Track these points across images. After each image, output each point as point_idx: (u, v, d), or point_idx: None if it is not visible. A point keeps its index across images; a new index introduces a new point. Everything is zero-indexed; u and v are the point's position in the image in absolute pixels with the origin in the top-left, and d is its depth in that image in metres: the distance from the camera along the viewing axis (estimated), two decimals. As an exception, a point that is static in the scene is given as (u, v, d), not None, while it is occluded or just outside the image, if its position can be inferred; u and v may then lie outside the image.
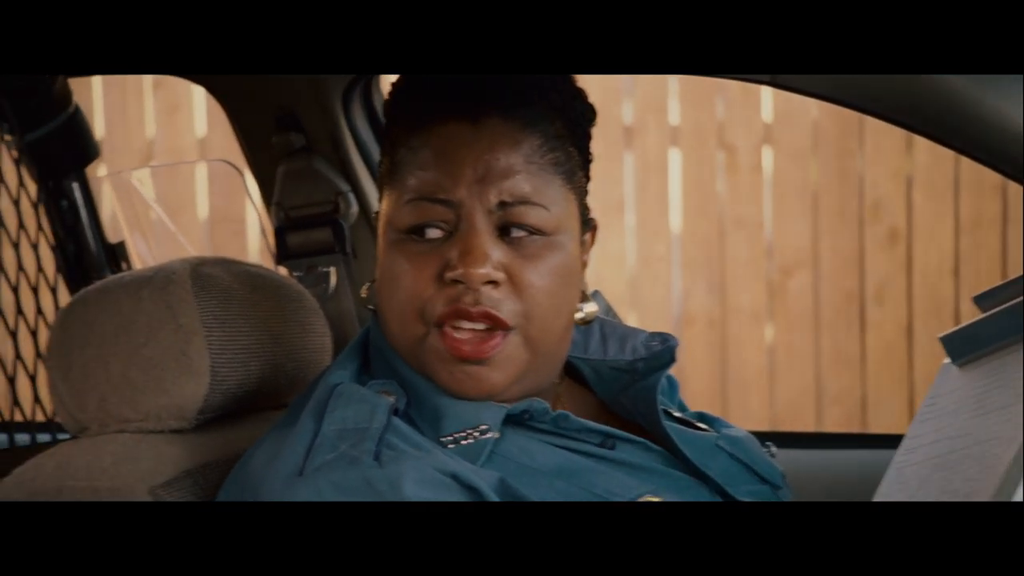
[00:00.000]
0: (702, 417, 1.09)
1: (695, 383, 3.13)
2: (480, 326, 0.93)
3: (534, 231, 0.95)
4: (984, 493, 0.84)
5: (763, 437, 1.09)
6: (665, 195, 3.15)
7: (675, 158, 3.15)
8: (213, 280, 1.05)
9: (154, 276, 1.04)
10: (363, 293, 1.01)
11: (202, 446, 1.04)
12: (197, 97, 3.15)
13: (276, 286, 1.13)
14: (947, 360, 1.00)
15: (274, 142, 1.32)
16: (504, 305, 0.94)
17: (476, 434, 0.94)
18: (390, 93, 1.00)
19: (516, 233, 0.95)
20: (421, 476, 0.89)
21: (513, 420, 0.96)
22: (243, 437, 1.08)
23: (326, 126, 1.31)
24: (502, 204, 0.94)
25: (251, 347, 1.07)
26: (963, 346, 0.97)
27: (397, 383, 0.97)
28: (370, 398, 0.94)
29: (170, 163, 2.66)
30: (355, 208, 1.34)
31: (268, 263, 1.34)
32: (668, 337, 1.05)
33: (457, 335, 0.93)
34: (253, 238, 3.06)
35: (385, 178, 0.98)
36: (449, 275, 0.93)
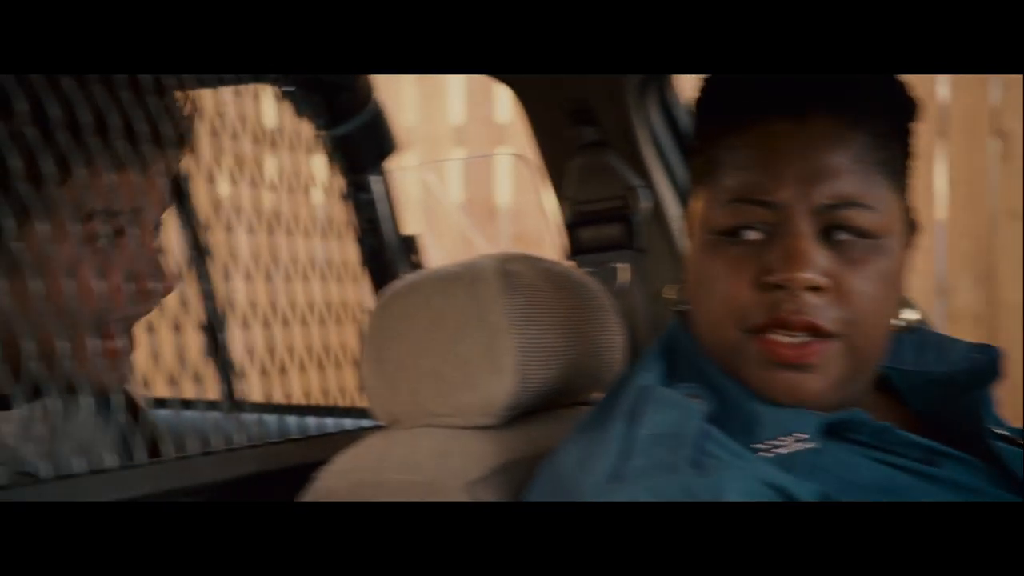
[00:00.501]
0: (1026, 434, 1.02)
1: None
2: (802, 335, 0.90)
3: (860, 234, 0.91)
4: None
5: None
6: (930, 184, 3.01)
7: (943, 146, 3.00)
8: (519, 278, 1.06)
9: (463, 273, 1.05)
10: (669, 294, 0.99)
11: (508, 443, 1.05)
12: (454, 86, 3.22)
13: (576, 283, 1.13)
14: None
15: (567, 136, 1.31)
16: (827, 312, 0.90)
17: (794, 443, 0.91)
18: (702, 88, 0.98)
19: (841, 236, 0.91)
20: (744, 487, 0.86)
21: (831, 430, 0.92)
22: (545, 435, 1.09)
23: (620, 120, 1.29)
24: (828, 206, 0.90)
25: (555, 345, 1.07)
26: None
27: (704, 387, 0.95)
28: (682, 402, 0.93)
29: (468, 157, 2.72)
30: (647, 204, 1.33)
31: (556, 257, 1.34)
32: (990, 349, 0.99)
33: (779, 339, 0.90)
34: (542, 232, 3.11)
35: (698, 177, 0.96)
36: (770, 279, 0.90)
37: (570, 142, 1.32)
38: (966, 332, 3.03)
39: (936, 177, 3.00)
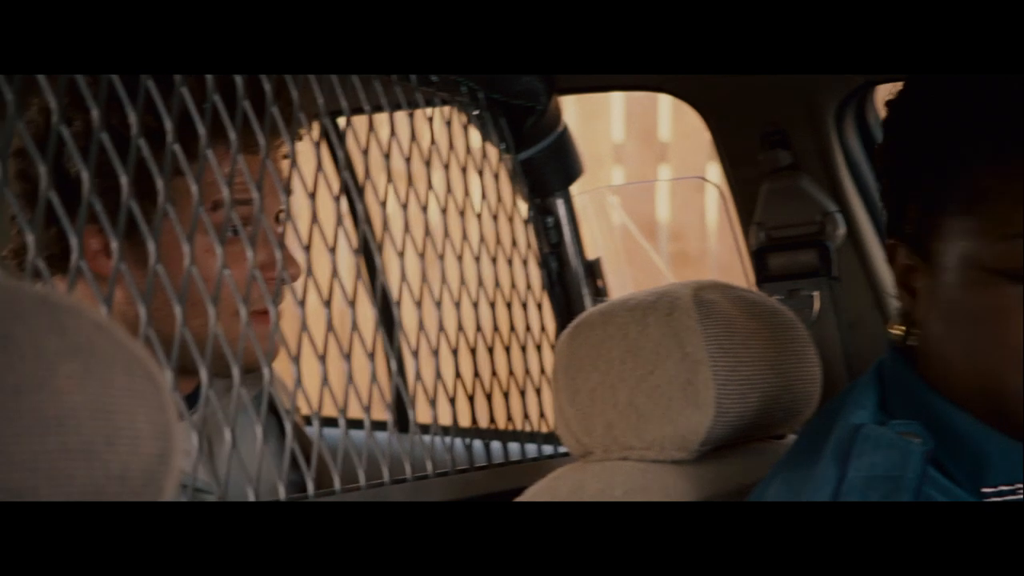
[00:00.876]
0: None
1: None
2: None
3: None
4: None
5: None
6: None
7: None
8: (715, 307, 1.02)
9: (657, 301, 1.02)
10: (896, 331, 0.93)
11: (702, 479, 1.01)
12: (615, 104, 3.19)
13: (771, 313, 1.08)
14: None
15: (760, 159, 1.27)
16: None
17: None
18: (949, 104, 0.89)
19: None
20: None
21: None
22: (738, 471, 1.05)
23: (816, 143, 1.25)
24: None
25: (752, 378, 1.03)
26: None
27: (924, 424, 0.89)
28: (900, 443, 0.87)
29: (646, 181, 2.70)
30: (842, 230, 1.28)
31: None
32: None
33: None
34: (710, 257, 3.06)
35: (958, 205, 0.87)
36: None
37: (762, 166, 1.28)
38: None
39: None
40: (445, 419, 1.15)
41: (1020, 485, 0.85)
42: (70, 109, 0.91)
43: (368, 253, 1.35)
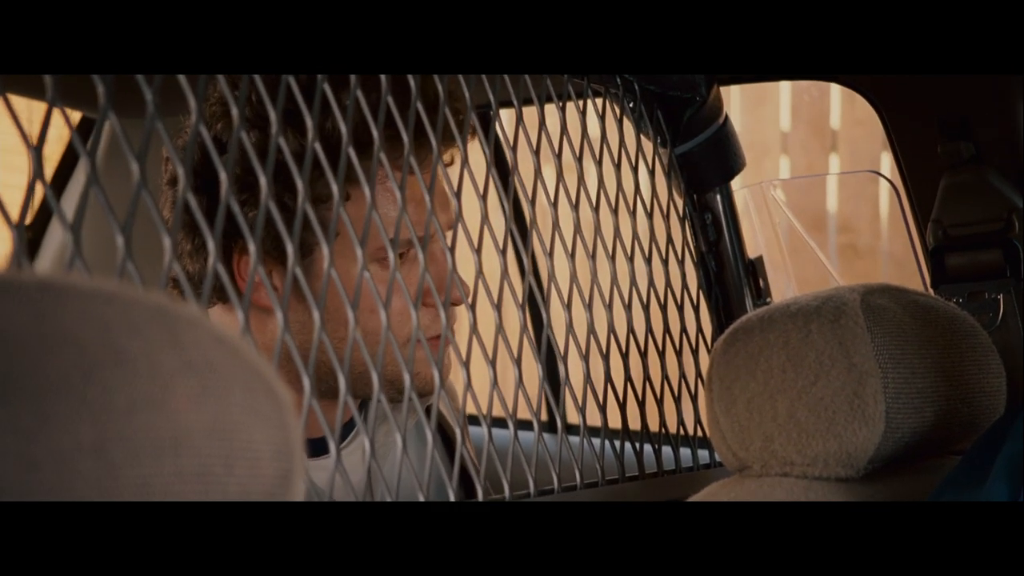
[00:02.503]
0: None
1: None
2: None
3: None
4: None
5: None
6: None
7: None
8: (885, 313, 0.95)
9: (822, 307, 0.95)
10: None
11: (869, 498, 0.94)
12: (783, 92, 3.08)
13: (949, 319, 1.00)
14: None
15: (941, 152, 1.18)
16: None
17: None
18: None
19: None
20: None
21: None
22: (910, 491, 0.97)
23: (1004, 133, 1.14)
24: None
25: (926, 390, 0.95)
26: None
27: None
28: None
29: (812, 175, 2.60)
30: (1033, 226, 1.17)
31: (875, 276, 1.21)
32: None
33: None
34: (881, 252, 2.93)
35: None
36: None
37: (941, 158, 1.19)
38: None
39: None
40: (596, 423, 1.10)
41: None
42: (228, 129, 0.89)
43: (518, 255, 1.31)
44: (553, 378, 1.43)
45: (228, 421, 0.48)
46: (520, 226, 1.52)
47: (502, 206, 1.03)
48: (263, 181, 0.78)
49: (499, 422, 1.00)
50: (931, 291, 1.23)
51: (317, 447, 1.02)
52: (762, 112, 3.10)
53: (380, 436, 1.05)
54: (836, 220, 3.03)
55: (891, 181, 1.24)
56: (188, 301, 0.78)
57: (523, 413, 1.06)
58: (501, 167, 1.44)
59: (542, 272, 1.08)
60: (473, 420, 1.53)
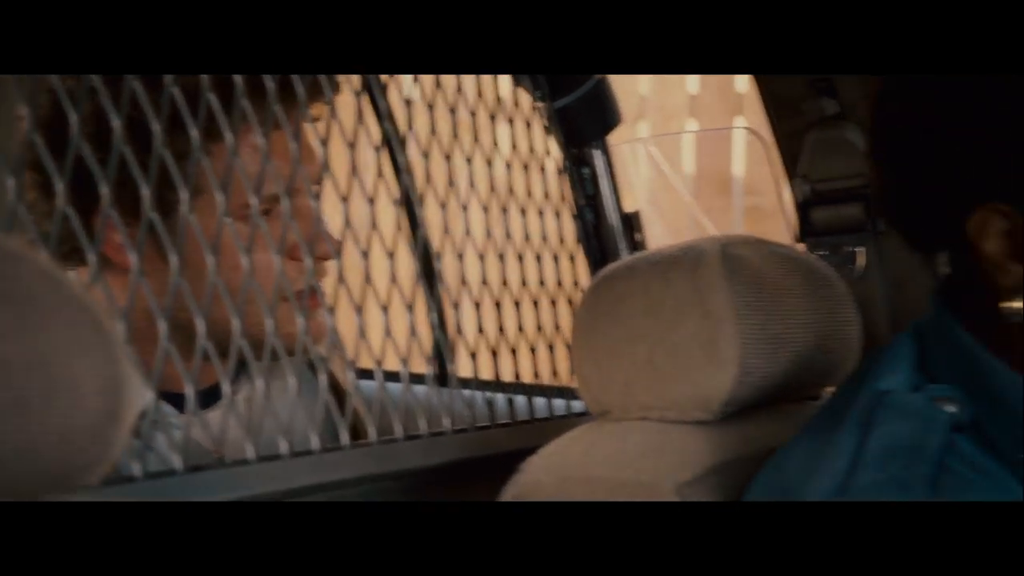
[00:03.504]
0: None
1: None
2: None
3: None
4: None
5: None
6: None
7: None
8: (743, 263, 0.98)
9: (683, 256, 0.98)
10: (1015, 304, 0.83)
11: (724, 441, 0.97)
12: None
13: (806, 269, 1.04)
14: None
15: (804, 108, 1.22)
16: None
17: None
18: None
19: None
20: None
21: None
22: (766, 433, 1.01)
23: (864, 91, 1.19)
24: None
25: (781, 337, 0.99)
26: None
27: (966, 388, 0.84)
28: (925, 411, 0.83)
29: (698, 130, 2.64)
30: (891, 183, 1.21)
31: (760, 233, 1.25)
32: None
33: None
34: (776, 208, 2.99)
35: None
36: None
37: (807, 115, 1.22)
38: None
39: None
40: (471, 373, 1.13)
41: None
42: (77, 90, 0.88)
43: (410, 205, 1.32)
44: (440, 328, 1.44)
45: (47, 353, 0.48)
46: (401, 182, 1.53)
47: (393, 160, 1.04)
48: (116, 124, 0.78)
49: (371, 373, 1.02)
50: (798, 244, 1.27)
51: (206, 398, 1.03)
52: (670, 77, 3.14)
53: (270, 386, 1.06)
54: (743, 182, 3.08)
55: (760, 137, 1.28)
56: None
57: (401, 363, 1.08)
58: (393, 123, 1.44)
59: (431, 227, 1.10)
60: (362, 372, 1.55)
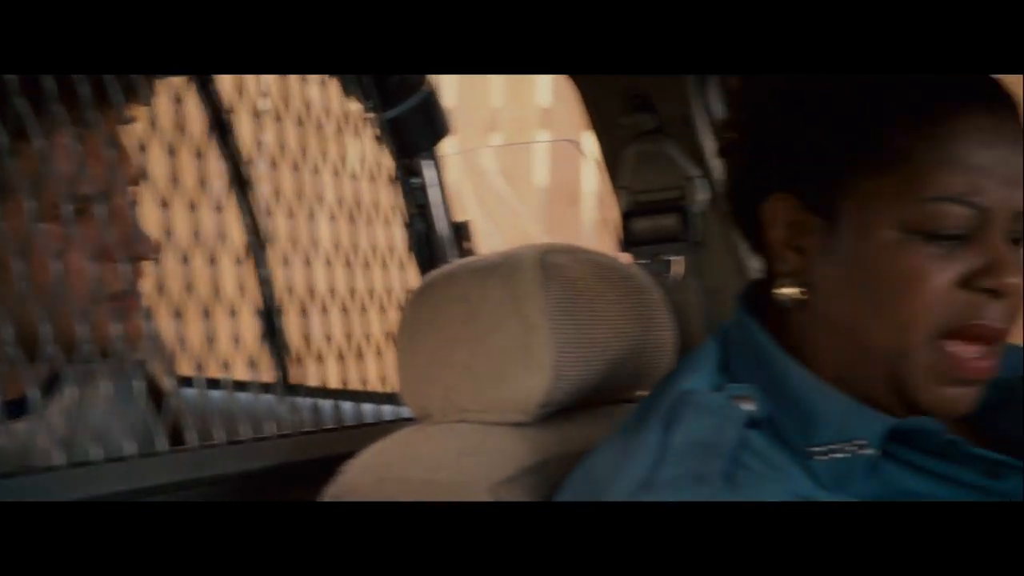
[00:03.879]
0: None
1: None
2: (988, 343, 0.86)
3: None
4: None
5: None
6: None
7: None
8: (560, 270, 1.02)
9: (501, 264, 1.02)
10: (786, 288, 0.90)
11: (541, 442, 1.01)
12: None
13: (622, 277, 1.08)
14: None
15: (624, 123, 1.27)
16: (1009, 319, 0.86)
17: (852, 448, 0.86)
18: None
19: (1018, 240, 0.86)
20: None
21: (896, 437, 0.87)
22: (582, 434, 1.05)
23: (680, 108, 1.24)
24: (1020, 213, 0.85)
25: (595, 341, 1.03)
26: None
27: (763, 386, 0.90)
28: (723, 409, 0.88)
29: (517, 143, 2.68)
30: (705, 195, 1.28)
31: (606, 244, 1.30)
32: None
33: (966, 354, 0.85)
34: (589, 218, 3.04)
35: (871, 167, 0.87)
36: (985, 283, 0.84)
37: (627, 129, 1.28)
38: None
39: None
40: (309, 379, 1.14)
41: (844, 444, 0.86)
42: None
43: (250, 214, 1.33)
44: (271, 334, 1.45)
45: None
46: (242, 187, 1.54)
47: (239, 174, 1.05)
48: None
49: (210, 379, 1.02)
50: (623, 254, 1.32)
51: (14, 409, 1.02)
52: (522, 88, 3.18)
53: (84, 393, 1.06)
54: (593, 196, 3.13)
55: (588, 151, 1.33)
56: None
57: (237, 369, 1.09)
58: (220, 128, 1.44)
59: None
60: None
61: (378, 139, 1.27)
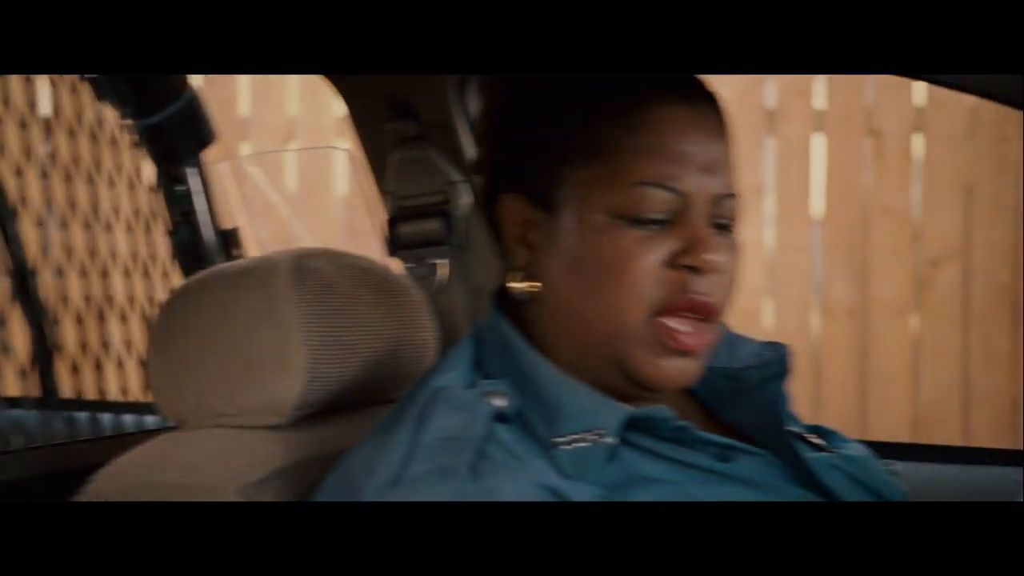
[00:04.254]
0: (817, 430, 1.03)
1: (834, 377, 3.02)
2: (700, 317, 0.91)
3: (732, 222, 0.93)
4: None
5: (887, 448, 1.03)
6: (807, 181, 3.04)
7: (819, 144, 3.04)
8: (315, 274, 1.03)
9: (255, 268, 1.02)
10: (515, 282, 0.94)
11: (299, 443, 1.02)
12: (243, 78, 3.14)
13: (380, 280, 1.10)
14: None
15: (388, 129, 1.29)
16: (719, 295, 0.91)
17: (592, 438, 0.90)
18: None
19: (722, 223, 0.92)
20: (518, 491, 0.85)
21: (633, 426, 0.92)
22: (342, 435, 1.06)
23: (440, 114, 1.27)
24: (721, 196, 0.91)
25: (351, 343, 1.04)
26: None
27: (513, 382, 0.93)
28: (471, 404, 0.91)
29: (284, 149, 2.67)
30: (468, 199, 1.31)
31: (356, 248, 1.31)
32: (780, 346, 0.99)
33: (679, 327, 0.90)
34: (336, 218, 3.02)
35: (582, 158, 0.91)
36: (686, 261, 0.90)
37: (391, 136, 1.30)
38: (841, 326, 3.08)
39: (813, 175, 3.04)
40: (63, 389, 1.12)
41: (585, 434, 0.90)
42: None
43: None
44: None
45: None
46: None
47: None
48: None
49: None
50: (389, 258, 1.34)
51: None
52: (319, 96, 3.17)
53: None
54: (356, 200, 3.11)
55: (352, 156, 1.34)
56: None
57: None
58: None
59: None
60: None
61: (136, 146, 1.26)
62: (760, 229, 3.05)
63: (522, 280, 0.94)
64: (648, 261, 0.90)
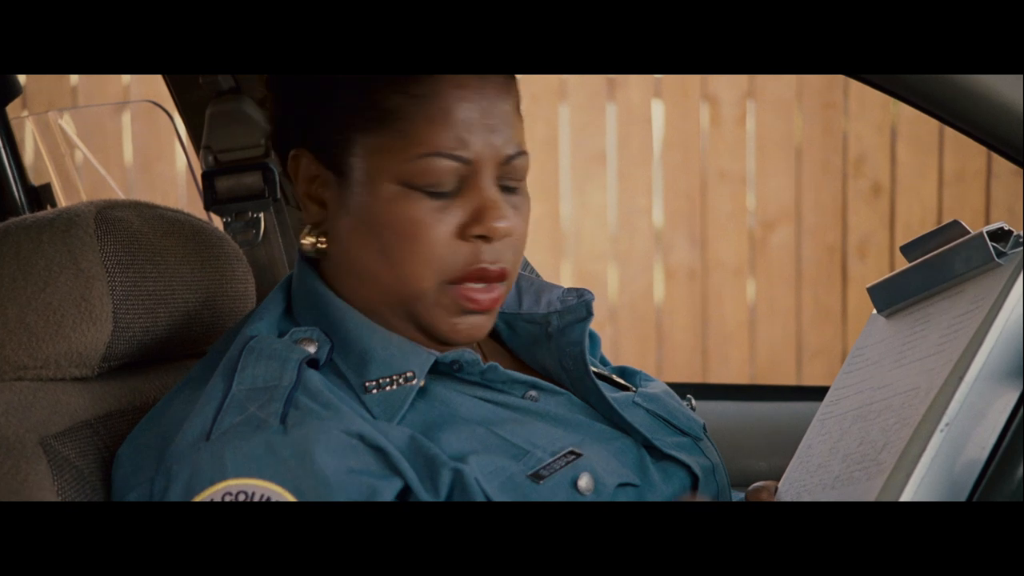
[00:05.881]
0: (622, 372, 1.06)
1: (675, 336, 3.10)
2: (492, 282, 0.92)
3: (521, 180, 0.94)
4: (898, 444, 0.82)
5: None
6: (648, 147, 3.11)
7: (658, 110, 3.10)
8: (120, 224, 1.01)
9: (56, 219, 1.00)
10: (307, 241, 0.95)
11: (106, 395, 1.00)
12: None
13: (192, 231, 1.09)
14: (875, 311, 0.96)
15: (202, 82, 1.27)
16: (509, 257, 0.93)
17: (400, 381, 0.91)
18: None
19: (512, 184, 0.93)
20: (327, 439, 0.86)
21: (440, 370, 0.93)
22: (153, 386, 1.05)
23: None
24: (509, 156, 0.92)
25: (159, 293, 1.03)
26: (889, 296, 0.94)
27: (323, 329, 0.94)
28: (282, 352, 0.91)
29: (97, 104, 2.61)
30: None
31: (197, 208, 1.30)
32: (584, 292, 1.02)
33: (472, 290, 0.92)
34: (181, 183, 2.97)
35: (369, 124, 0.91)
36: (473, 231, 0.90)
37: (206, 89, 1.28)
38: (682, 288, 3.16)
39: (654, 141, 3.10)
40: None
41: (395, 377, 0.91)
42: None
43: None
44: None
45: None
46: None
47: None
48: None
49: None
50: (208, 212, 1.33)
51: None
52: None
53: None
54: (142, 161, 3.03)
55: (165, 109, 1.32)
56: None
57: None
58: None
59: None
60: None
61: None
62: (603, 194, 3.11)
63: (311, 235, 0.95)
64: (439, 232, 0.91)
